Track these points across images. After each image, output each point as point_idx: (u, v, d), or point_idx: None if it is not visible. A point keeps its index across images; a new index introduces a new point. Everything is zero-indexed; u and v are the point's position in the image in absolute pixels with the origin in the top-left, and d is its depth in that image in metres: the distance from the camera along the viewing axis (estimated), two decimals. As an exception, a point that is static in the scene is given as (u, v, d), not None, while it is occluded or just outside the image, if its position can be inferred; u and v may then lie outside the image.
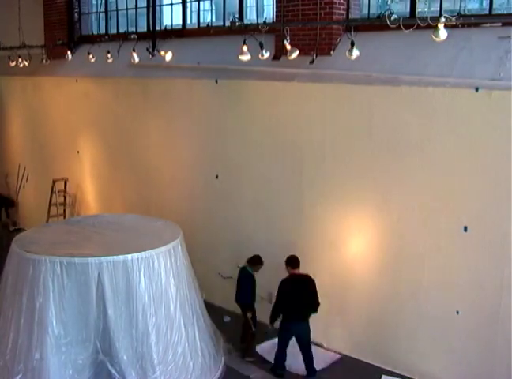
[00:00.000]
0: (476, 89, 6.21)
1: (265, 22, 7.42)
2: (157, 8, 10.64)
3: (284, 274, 7.30)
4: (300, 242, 7.97)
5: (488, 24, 6.48)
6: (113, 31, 11.15)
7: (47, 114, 12.32)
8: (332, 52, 7.72)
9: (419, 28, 5.91)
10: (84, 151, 11.48)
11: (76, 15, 11.93)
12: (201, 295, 7.67)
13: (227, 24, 8.25)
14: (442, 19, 5.66)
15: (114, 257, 6.39)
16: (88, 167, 11.49)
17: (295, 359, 7.30)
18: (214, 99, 8.83)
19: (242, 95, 8.45)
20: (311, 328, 7.23)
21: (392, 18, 6.05)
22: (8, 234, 12.13)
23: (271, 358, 7.44)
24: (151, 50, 9.59)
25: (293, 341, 7.21)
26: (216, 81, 8.70)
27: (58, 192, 11.65)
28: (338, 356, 7.68)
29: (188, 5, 10.52)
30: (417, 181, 6.78)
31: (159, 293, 6.60)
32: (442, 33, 5.71)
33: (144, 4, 10.35)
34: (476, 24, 6.55)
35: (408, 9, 7.28)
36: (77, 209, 11.93)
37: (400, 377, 7.10)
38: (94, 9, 11.95)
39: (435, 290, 6.79)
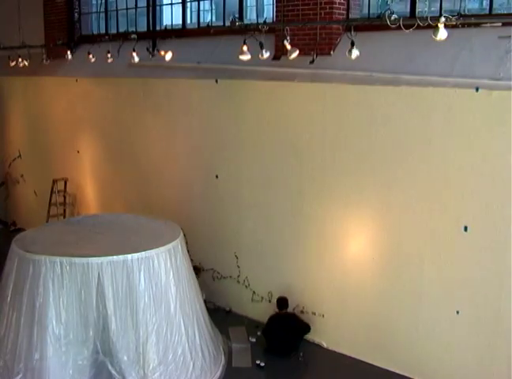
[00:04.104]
0: (476, 89, 6.21)
1: (265, 22, 7.41)
2: (157, 8, 10.63)
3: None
4: (300, 242, 7.98)
5: (488, 24, 6.48)
6: (113, 31, 11.13)
7: (47, 114, 12.32)
8: (332, 52, 7.72)
9: (419, 27, 5.89)
10: (84, 151, 11.47)
11: (76, 15, 11.90)
12: (201, 295, 7.67)
13: (227, 24, 8.24)
14: (442, 19, 5.65)
15: (114, 257, 6.39)
16: (88, 167, 11.49)
17: None
18: (214, 99, 8.83)
19: (243, 95, 8.44)
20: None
21: (392, 18, 6.03)
22: (8, 234, 12.14)
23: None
24: (151, 50, 9.58)
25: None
26: (217, 81, 8.70)
27: (58, 192, 11.64)
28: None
29: (188, 5, 10.52)
30: (417, 181, 6.78)
31: (159, 293, 6.60)
32: (442, 33, 5.70)
33: (144, 4, 10.34)
34: (476, 24, 6.54)
35: (408, 9, 7.28)
36: (77, 209, 11.93)
37: (401, 377, 7.12)
38: (94, 9, 11.92)
39: (435, 290, 6.79)
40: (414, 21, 5.93)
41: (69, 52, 10.58)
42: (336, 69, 7.41)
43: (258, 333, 8.12)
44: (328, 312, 7.82)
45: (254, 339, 8.02)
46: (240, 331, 8.26)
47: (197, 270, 8.14)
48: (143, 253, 6.52)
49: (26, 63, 10.93)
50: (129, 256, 6.43)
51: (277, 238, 8.24)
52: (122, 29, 10.90)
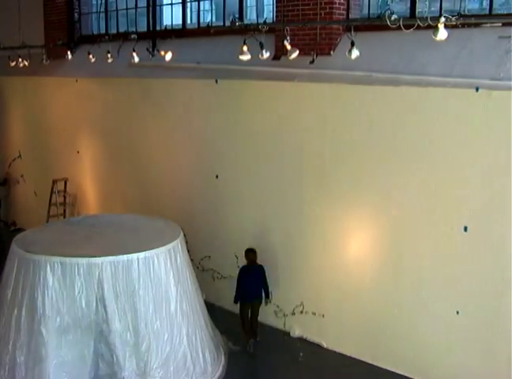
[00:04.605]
0: (476, 89, 6.21)
1: (265, 22, 7.41)
2: (157, 8, 10.64)
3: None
4: (300, 242, 7.98)
5: (488, 24, 6.48)
6: (113, 31, 11.14)
7: (47, 114, 12.32)
8: (332, 52, 7.72)
9: (419, 28, 5.90)
10: (84, 151, 11.48)
11: (76, 15, 11.92)
12: (201, 295, 7.67)
13: (227, 24, 8.25)
14: (442, 19, 5.65)
15: (115, 257, 6.39)
16: (88, 167, 11.49)
17: None
18: (214, 99, 8.83)
19: (242, 95, 8.45)
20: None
21: (392, 18, 6.03)
22: (8, 234, 12.14)
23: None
24: (151, 50, 9.59)
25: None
26: (216, 81, 8.70)
27: (58, 192, 11.64)
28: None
29: (188, 5, 10.53)
30: (417, 181, 6.78)
31: (159, 293, 6.60)
32: (442, 33, 5.70)
33: (144, 4, 10.35)
34: (476, 24, 6.54)
35: (408, 9, 7.28)
36: (77, 209, 11.93)
37: (401, 377, 7.12)
38: (94, 9, 11.94)
39: (435, 290, 6.79)
40: (414, 21, 5.94)
41: (69, 52, 10.60)
42: (336, 69, 7.41)
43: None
44: (328, 312, 7.82)
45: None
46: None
47: None
48: (143, 253, 6.52)
49: (26, 63, 10.94)
50: (129, 256, 6.43)
51: (277, 238, 8.24)
52: (122, 29, 10.92)
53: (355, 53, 6.50)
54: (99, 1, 11.46)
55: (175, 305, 6.72)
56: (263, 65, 7.91)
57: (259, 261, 7.94)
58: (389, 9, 6.12)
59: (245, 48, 7.29)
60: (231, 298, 7.96)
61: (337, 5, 7.65)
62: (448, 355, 6.78)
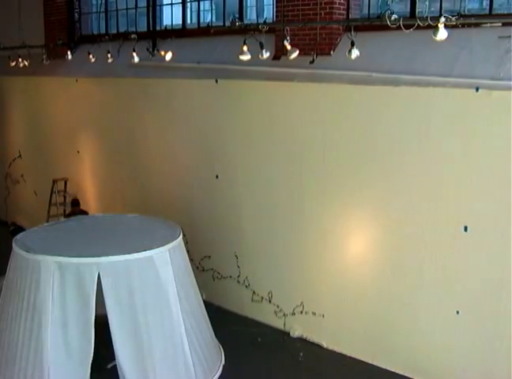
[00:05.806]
0: (476, 89, 6.21)
1: (265, 22, 7.42)
2: (157, 8, 10.65)
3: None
4: (301, 242, 7.98)
5: (488, 24, 6.48)
6: (113, 31, 11.15)
7: (47, 114, 12.32)
8: (332, 52, 7.72)
9: (419, 28, 5.90)
10: (84, 151, 11.48)
11: (76, 15, 11.92)
12: (201, 295, 7.67)
13: (227, 24, 8.25)
14: (442, 19, 5.65)
15: (114, 257, 6.39)
16: (88, 167, 11.50)
17: None
18: (214, 99, 8.83)
19: (242, 95, 8.45)
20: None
21: (392, 18, 6.04)
22: (8, 234, 12.13)
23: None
24: (151, 50, 9.60)
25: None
26: (216, 81, 8.70)
27: (58, 192, 11.63)
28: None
29: (188, 5, 10.52)
30: (417, 180, 6.78)
31: (159, 293, 6.60)
32: (442, 33, 5.71)
33: (144, 4, 10.36)
34: (476, 24, 6.54)
35: (408, 9, 7.28)
36: (77, 209, 11.92)
37: (401, 377, 7.12)
38: (94, 9, 11.95)
39: (435, 290, 6.79)
40: (414, 21, 5.94)
41: (69, 52, 10.60)
42: (336, 69, 7.41)
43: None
44: (328, 312, 7.83)
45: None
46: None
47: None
48: (143, 253, 6.52)
49: (26, 63, 10.94)
50: (129, 256, 6.43)
51: (277, 238, 8.24)
52: (122, 29, 10.92)
53: (355, 53, 6.50)
54: (99, 1, 11.47)
55: (175, 305, 6.72)
56: (263, 65, 7.91)
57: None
58: (389, 9, 6.13)
59: (245, 48, 7.30)
60: (231, 298, 7.96)
61: (337, 5, 7.65)
62: (448, 355, 6.78)
